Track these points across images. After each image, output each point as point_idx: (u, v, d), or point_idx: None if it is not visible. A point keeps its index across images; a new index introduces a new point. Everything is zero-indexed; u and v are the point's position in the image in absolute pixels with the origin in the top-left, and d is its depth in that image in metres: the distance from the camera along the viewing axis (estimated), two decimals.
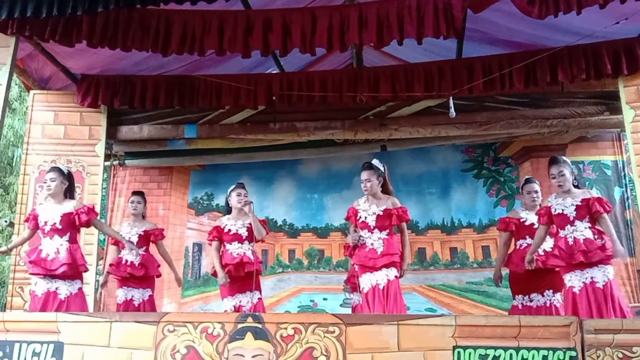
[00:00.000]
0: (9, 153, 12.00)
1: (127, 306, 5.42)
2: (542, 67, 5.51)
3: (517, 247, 5.14)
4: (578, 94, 6.26)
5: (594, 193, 4.71)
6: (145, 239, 5.66)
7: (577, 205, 4.41)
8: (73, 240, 4.62)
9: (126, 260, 5.50)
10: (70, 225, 4.59)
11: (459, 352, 3.34)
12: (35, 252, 4.55)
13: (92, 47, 4.93)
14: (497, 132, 6.43)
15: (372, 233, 4.72)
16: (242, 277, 4.93)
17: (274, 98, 5.95)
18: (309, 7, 5.17)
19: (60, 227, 4.54)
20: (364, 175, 4.84)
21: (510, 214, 5.39)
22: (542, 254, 4.85)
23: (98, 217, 4.85)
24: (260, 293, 5.10)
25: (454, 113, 5.46)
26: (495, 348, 3.32)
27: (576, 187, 4.60)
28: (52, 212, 4.61)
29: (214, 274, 5.20)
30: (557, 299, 4.89)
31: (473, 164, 7.29)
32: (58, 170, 4.79)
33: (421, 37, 4.69)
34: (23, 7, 4.35)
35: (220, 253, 5.13)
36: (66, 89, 6.21)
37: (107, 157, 6.71)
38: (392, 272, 4.66)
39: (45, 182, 4.77)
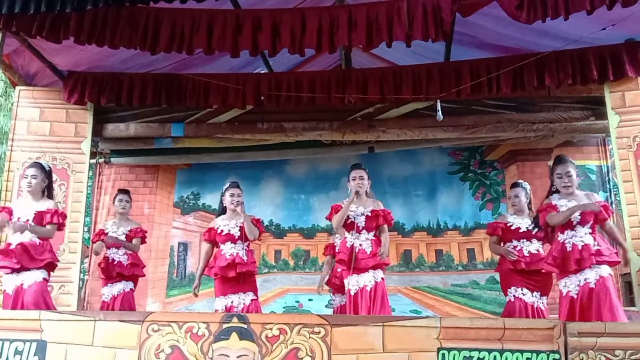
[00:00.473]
0: None
1: (114, 303, 5.41)
2: (529, 72, 5.55)
3: None
4: (564, 99, 6.31)
5: (598, 197, 4.58)
6: (132, 238, 5.65)
7: (583, 211, 4.24)
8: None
9: (113, 260, 5.50)
10: (41, 224, 4.53)
11: (443, 354, 3.35)
12: (5, 247, 4.51)
13: (79, 43, 4.89)
14: (484, 136, 6.47)
15: (359, 234, 4.75)
16: (234, 277, 4.89)
17: (262, 98, 5.94)
18: (299, 8, 5.17)
19: (32, 224, 4.48)
20: (359, 172, 4.89)
21: (499, 218, 5.45)
22: (528, 255, 4.91)
23: (57, 226, 4.66)
24: (255, 294, 5.03)
25: (442, 116, 5.48)
26: (480, 350, 3.34)
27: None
28: (26, 208, 4.55)
29: (208, 274, 5.16)
30: (543, 302, 4.90)
31: (459, 166, 7.34)
32: (40, 166, 4.72)
33: (410, 39, 4.70)
34: (11, 3, 4.30)
35: (214, 255, 5.10)
36: (52, 86, 6.15)
37: (93, 154, 6.69)
38: (379, 274, 4.70)
39: (25, 177, 4.66)
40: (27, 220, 4.49)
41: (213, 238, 5.09)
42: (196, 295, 5.22)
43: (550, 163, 4.76)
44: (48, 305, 4.41)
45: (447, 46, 5.83)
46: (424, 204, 7.21)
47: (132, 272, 5.54)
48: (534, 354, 3.29)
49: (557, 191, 4.42)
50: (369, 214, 4.77)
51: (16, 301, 4.36)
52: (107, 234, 5.58)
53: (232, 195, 5.12)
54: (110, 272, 5.48)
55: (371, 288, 4.61)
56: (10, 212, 4.57)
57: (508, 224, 5.11)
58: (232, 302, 4.89)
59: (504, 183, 7.05)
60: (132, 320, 3.60)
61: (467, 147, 7.22)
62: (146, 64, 5.88)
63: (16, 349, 3.56)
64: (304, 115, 6.43)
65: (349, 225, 4.81)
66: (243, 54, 4.97)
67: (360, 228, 4.75)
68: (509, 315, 4.84)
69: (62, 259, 5.53)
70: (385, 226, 4.89)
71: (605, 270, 4.16)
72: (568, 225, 4.27)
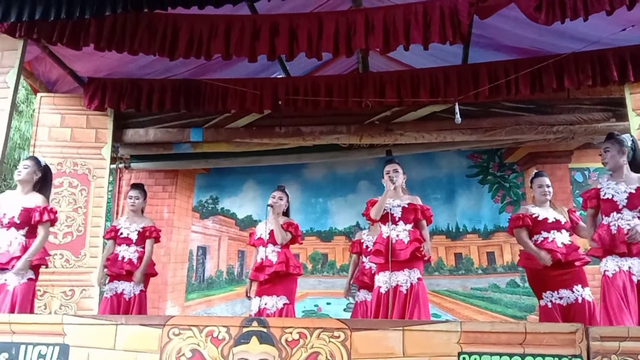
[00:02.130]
0: (15, 155, 12.03)
1: (118, 300, 5.13)
2: (548, 74, 5.51)
3: (533, 242, 4.68)
4: (584, 101, 6.25)
5: None
6: (144, 235, 5.34)
7: (630, 193, 3.99)
8: (30, 235, 4.42)
9: (123, 257, 5.22)
10: (28, 221, 4.39)
11: (464, 358, 3.33)
12: None
13: (99, 50, 4.96)
14: (503, 138, 6.42)
15: (396, 225, 4.65)
16: (266, 280, 4.87)
17: (279, 102, 5.97)
18: (316, 12, 5.19)
19: (18, 221, 4.35)
20: (393, 166, 4.80)
21: (521, 210, 4.92)
22: (562, 246, 4.53)
23: (49, 224, 4.51)
24: (289, 298, 4.93)
25: (460, 119, 5.45)
26: (501, 354, 3.31)
27: (635, 171, 4.17)
28: (13, 204, 4.41)
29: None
30: (588, 293, 4.48)
31: (478, 169, 7.29)
32: (34, 159, 4.63)
33: (427, 42, 4.69)
34: (31, 10, 4.37)
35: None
36: (73, 92, 6.24)
37: (113, 160, 6.75)
38: (415, 274, 4.55)
39: (17, 169, 4.57)
40: (13, 217, 4.32)
41: (253, 242, 5.16)
42: (249, 298, 5.12)
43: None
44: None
45: (464, 49, 5.81)
46: (443, 207, 7.16)
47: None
48: (556, 359, 3.25)
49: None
50: (406, 205, 4.67)
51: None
52: (118, 230, 5.33)
53: (273, 197, 5.13)
54: (118, 269, 5.19)
55: (407, 290, 4.47)
56: None
57: (534, 215, 4.69)
58: (265, 304, 4.85)
59: (523, 186, 6.98)
60: (153, 324, 3.62)
61: (486, 150, 7.17)
62: (165, 69, 5.94)
63: (39, 352, 3.60)
64: (321, 119, 6.45)
65: (384, 217, 4.67)
66: (260, 58, 5.00)
67: (397, 219, 4.64)
68: (549, 322, 4.40)
69: (82, 263, 5.60)
70: (424, 222, 4.77)
71: None
72: (614, 207, 4.03)
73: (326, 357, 3.40)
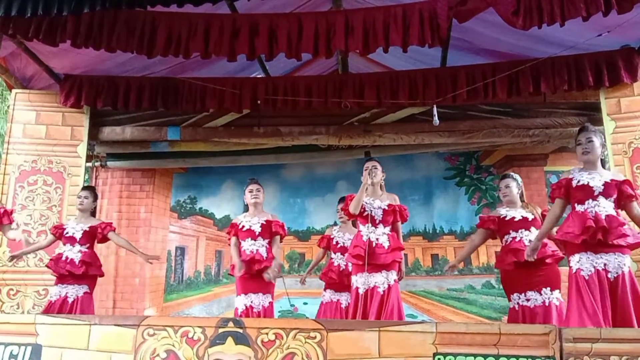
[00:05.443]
0: None
1: (62, 305, 4.95)
2: (525, 78, 5.58)
3: (503, 243, 4.71)
4: (560, 105, 6.33)
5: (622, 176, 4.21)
6: (90, 235, 5.18)
7: (605, 182, 3.92)
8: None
9: (66, 257, 5.06)
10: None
11: (439, 359, 3.35)
12: None
13: (76, 47, 4.88)
14: (480, 141, 6.49)
15: (376, 228, 4.66)
16: (254, 276, 4.87)
17: (258, 102, 5.96)
18: (296, 13, 5.18)
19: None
20: (372, 163, 4.85)
21: (492, 213, 4.96)
22: (528, 244, 4.39)
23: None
24: (272, 297, 4.97)
25: (438, 121, 5.49)
26: (475, 355, 3.34)
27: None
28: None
29: (232, 272, 5.08)
30: (556, 296, 4.42)
31: (455, 171, 7.35)
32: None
33: (406, 45, 4.72)
34: (7, 6, 4.28)
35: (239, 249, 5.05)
36: (49, 89, 6.16)
37: (89, 158, 6.68)
38: (392, 276, 4.59)
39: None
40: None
41: (236, 232, 5.08)
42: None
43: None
44: None
45: (443, 51, 5.85)
46: (420, 209, 7.21)
47: (84, 271, 5.06)
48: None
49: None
50: (386, 207, 4.69)
51: None
52: (64, 228, 5.19)
53: (250, 191, 5.13)
54: (60, 269, 5.04)
55: (384, 291, 4.50)
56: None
57: (501, 216, 4.68)
58: (252, 302, 4.85)
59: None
60: (127, 325, 3.59)
61: (463, 152, 7.24)
62: (143, 67, 5.88)
63: (11, 352, 3.55)
64: (300, 120, 6.44)
65: (364, 218, 4.70)
66: (240, 58, 4.98)
67: (377, 222, 4.66)
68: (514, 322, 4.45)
69: None
70: (400, 224, 4.83)
71: (627, 263, 3.84)
72: (589, 194, 3.93)
73: (302, 357, 3.40)
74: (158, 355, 3.48)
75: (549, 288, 4.43)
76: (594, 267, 3.82)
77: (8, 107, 6.68)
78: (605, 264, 3.81)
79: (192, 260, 7.37)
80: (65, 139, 5.99)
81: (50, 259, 5.15)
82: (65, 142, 5.98)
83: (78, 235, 5.12)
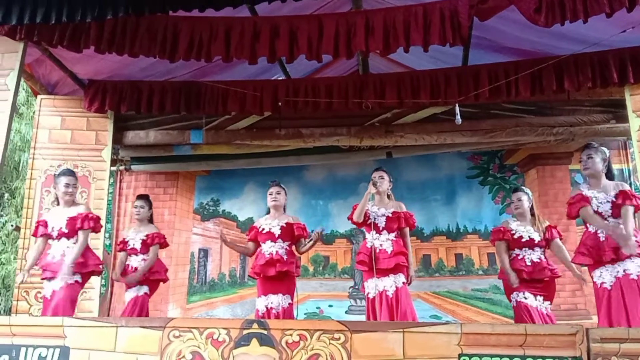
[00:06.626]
0: (15, 157, 12.04)
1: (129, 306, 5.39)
2: (548, 75, 5.50)
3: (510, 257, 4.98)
4: (584, 102, 6.26)
5: (626, 186, 4.58)
6: (147, 243, 5.53)
7: (612, 202, 4.31)
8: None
9: (132, 267, 5.46)
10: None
11: None
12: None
13: (99, 52, 4.95)
14: (503, 140, 6.43)
15: (380, 235, 4.78)
16: (274, 277, 4.91)
17: (279, 104, 5.97)
18: (316, 14, 5.18)
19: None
20: (379, 173, 5.00)
21: (502, 224, 5.18)
22: (530, 264, 4.79)
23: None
24: (292, 298, 5.02)
25: (460, 120, 5.45)
26: (501, 356, 3.31)
27: (609, 178, 4.52)
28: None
29: (251, 274, 5.32)
30: (546, 306, 4.75)
31: (479, 171, 7.29)
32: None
33: (427, 44, 4.69)
34: (32, 13, 4.36)
35: (255, 254, 5.15)
36: (73, 94, 6.25)
37: (114, 162, 6.77)
38: (400, 279, 4.69)
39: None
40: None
41: (255, 237, 5.15)
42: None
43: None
44: None
45: (465, 50, 5.80)
46: (443, 209, 7.16)
47: (148, 276, 5.46)
48: None
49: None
50: (390, 215, 4.82)
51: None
52: (127, 242, 5.55)
53: (270, 194, 5.23)
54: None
55: (393, 294, 4.59)
56: (45, 224, 4.87)
57: (512, 232, 4.96)
58: (271, 303, 4.88)
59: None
60: (153, 327, 3.62)
61: (486, 152, 7.17)
62: (165, 71, 5.94)
63: (40, 354, 3.60)
64: (321, 121, 6.45)
65: (369, 226, 4.82)
66: (261, 60, 4.99)
67: (381, 229, 4.78)
68: (519, 319, 4.72)
69: None
70: (407, 230, 4.92)
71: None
72: (600, 217, 4.30)
73: (326, 359, 3.40)
74: (184, 356, 3.51)
75: (542, 297, 4.75)
76: (615, 276, 4.12)
77: (34, 113, 6.78)
78: (625, 270, 4.10)
79: (216, 262, 7.40)
80: (90, 143, 6.08)
81: (121, 274, 5.54)
82: (90, 147, 6.06)
83: (138, 246, 5.51)
